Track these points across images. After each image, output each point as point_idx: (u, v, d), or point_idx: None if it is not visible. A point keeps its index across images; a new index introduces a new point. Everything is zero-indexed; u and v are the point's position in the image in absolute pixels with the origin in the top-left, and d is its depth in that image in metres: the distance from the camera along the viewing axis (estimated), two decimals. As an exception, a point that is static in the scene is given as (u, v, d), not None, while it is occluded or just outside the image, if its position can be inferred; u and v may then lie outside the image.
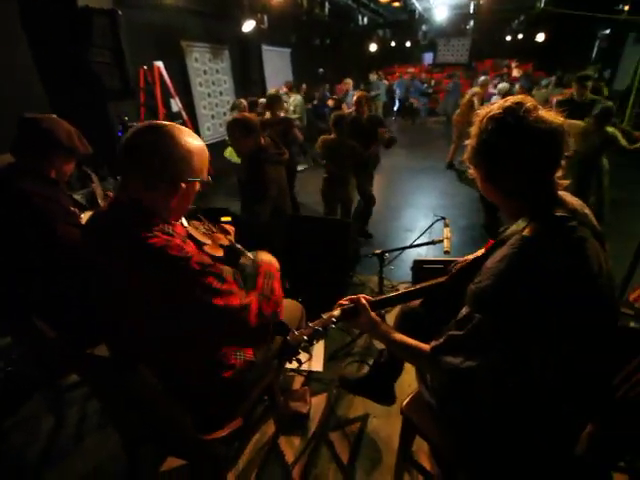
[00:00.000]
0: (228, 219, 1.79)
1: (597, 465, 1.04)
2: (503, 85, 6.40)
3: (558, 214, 0.83)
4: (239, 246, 1.56)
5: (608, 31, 8.58)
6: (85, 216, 1.86)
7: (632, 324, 1.80)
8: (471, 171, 0.97)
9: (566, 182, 0.91)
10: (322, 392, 1.93)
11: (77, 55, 3.36)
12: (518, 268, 0.79)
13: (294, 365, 0.98)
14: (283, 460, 1.59)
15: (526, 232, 0.82)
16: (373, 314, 1.06)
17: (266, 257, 1.33)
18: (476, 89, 5.65)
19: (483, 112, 0.89)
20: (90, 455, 1.64)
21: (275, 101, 3.93)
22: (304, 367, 2.07)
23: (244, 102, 5.17)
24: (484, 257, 0.95)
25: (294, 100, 6.70)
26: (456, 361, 0.85)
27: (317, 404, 1.85)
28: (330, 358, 2.16)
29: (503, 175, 0.87)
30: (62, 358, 1.28)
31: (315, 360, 2.14)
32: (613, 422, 1.03)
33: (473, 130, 0.91)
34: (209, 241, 1.67)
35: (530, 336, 0.79)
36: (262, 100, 5.34)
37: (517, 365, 0.82)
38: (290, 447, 1.64)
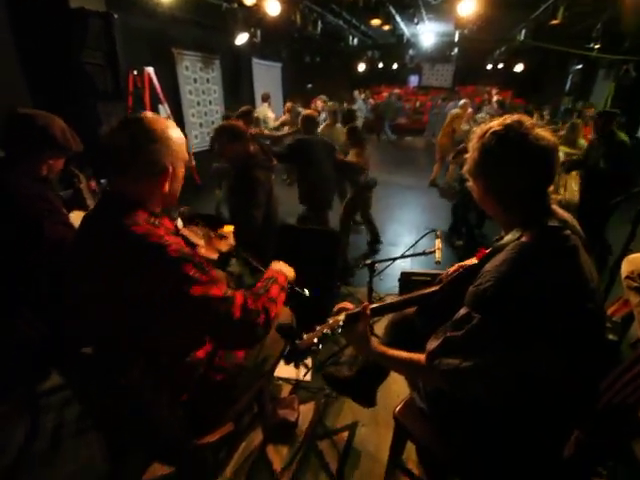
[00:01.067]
0: (230, 228, 1.80)
1: (581, 468, 1.08)
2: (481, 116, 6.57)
3: (552, 224, 0.89)
4: (245, 256, 1.56)
5: (580, 66, 9.18)
6: (73, 215, 1.82)
7: (611, 336, 1.88)
8: (470, 183, 1.02)
9: (559, 196, 0.98)
10: (310, 401, 1.91)
11: (67, 55, 3.33)
12: (518, 270, 0.84)
13: (298, 373, 0.97)
14: (271, 468, 1.56)
15: (524, 239, 0.88)
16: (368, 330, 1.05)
17: (278, 266, 1.30)
18: (456, 111, 5.87)
19: (483, 129, 0.95)
20: (67, 464, 1.56)
21: (244, 115, 4.41)
22: (292, 376, 2.05)
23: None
24: (480, 264, 0.99)
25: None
26: (455, 362, 0.86)
27: (305, 412, 1.83)
28: (317, 368, 2.14)
29: (503, 187, 0.92)
30: (51, 356, 1.22)
31: (303, 369, 2.13)
32: (597, 428, 1.08)
33: (472, 144, 0.97)
34: (203, 243, 1.67)
35: (527, 336, 0.83)
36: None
37: (514, 365, 0.84)
38: (278, 455, 1.61)
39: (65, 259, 1.06)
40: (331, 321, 1.01)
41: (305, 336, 0.96)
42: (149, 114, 1.02)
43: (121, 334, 1.01)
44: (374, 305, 1.11)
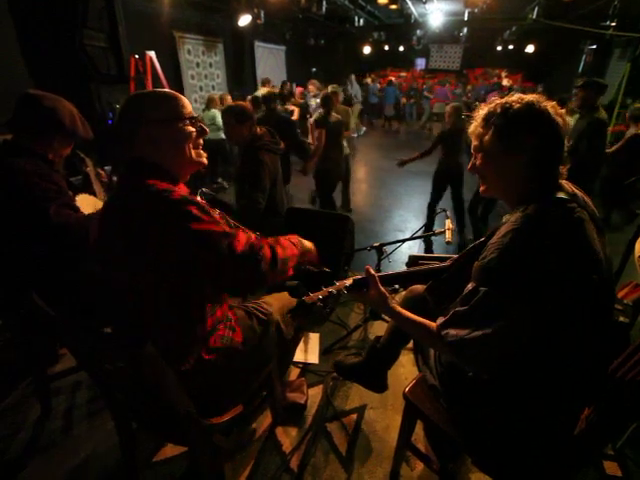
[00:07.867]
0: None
1: (590, 447, 1.07)
2: None
3: (558, 196, 0.88)
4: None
5: (595, 46, 8.88)
6: (79, 199, 1.80)
7: (622, 319, 1.87)
8: (479, 154, 0.99)
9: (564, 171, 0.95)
10: (318, 384, 1.92)
11: (68, 36, 3.26)
12: (521, 241, 0.83)
13: (307, 357, 0.98)
14: (280, 449, 1.57)
15: (528, 211, 0.86)
16: (382, 288, 1.07)
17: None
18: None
19: (497, 101, 0.93)
20: (79, 446, 1.58)
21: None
22: (300, 359, 2.05)
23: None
24: (487, 239, 0.97)
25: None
26: (461, 333, 0.88)
27: (313, 395, 1.84)
28: (325, 351, 2.15)
29: (519, 154, 0.90)
30: (62, 337, 1.23)
31: (310, 353, 2.13)
32: (610, 404, 1.06)
33: (483, 114, 0.95)
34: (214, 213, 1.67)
35: (532, 308, 0.81)
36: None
37: (519, 335, 0.84)
38: (287, 437, 1.62)
39: (90, 236, 1.10)
40: (338, 284, 1.05)
41: (312, 294, 0.99)
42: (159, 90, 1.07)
43: (141, 304, 1.04)
44: (383, 273, 1.13)
